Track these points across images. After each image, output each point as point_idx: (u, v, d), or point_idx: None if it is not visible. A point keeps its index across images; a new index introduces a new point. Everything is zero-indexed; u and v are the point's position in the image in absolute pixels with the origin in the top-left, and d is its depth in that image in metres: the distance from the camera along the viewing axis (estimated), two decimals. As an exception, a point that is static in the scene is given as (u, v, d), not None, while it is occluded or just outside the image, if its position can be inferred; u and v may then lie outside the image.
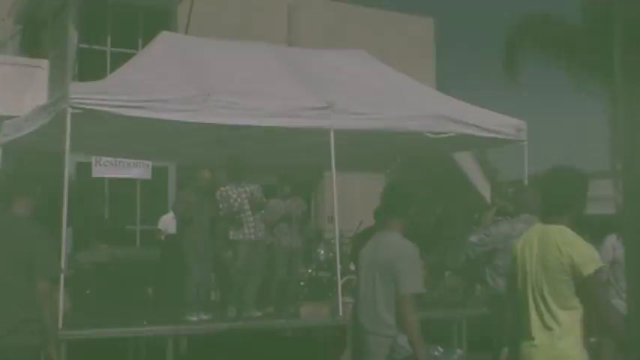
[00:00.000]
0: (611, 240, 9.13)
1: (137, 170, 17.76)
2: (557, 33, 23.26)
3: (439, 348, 6.17)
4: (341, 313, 11.19)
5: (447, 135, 12.14)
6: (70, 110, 9.82)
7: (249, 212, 11.66)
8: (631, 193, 3.08)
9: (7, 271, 5.87)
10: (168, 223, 15.71)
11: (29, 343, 5.86)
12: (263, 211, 12.02)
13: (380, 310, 5.77)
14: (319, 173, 19.82)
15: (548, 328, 4.73)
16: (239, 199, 11.63)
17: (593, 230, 10.40)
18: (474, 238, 7.92)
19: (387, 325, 5.76)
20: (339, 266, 11.50)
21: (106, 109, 10.08)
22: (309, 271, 13.14)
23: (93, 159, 17.21)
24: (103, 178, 18.14)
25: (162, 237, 15.31)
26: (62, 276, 9.51)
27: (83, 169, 17.26)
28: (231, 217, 11.61)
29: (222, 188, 11.70)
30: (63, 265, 9.59)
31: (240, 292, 11.66)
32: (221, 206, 11.63)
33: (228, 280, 12.02)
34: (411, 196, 6.17)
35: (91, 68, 17.73)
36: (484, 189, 24.17)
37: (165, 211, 16.03)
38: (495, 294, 7.78)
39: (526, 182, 12.45)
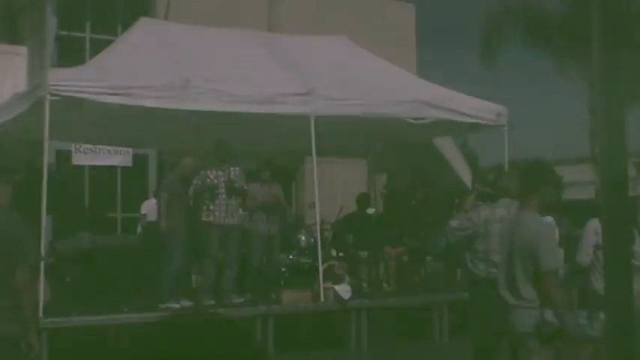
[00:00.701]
0: (594, 224, 9.18)
1: (117, 157, 17.70)
2: (537, 18, 23.33)
3: (582, 313, 6.73)
4: (322, 299, 11.22)
5: (427, 120, 12.17)
6: (48, 97, 9.79)
7: (224, 196, 11.59)
8: (608, 179, 3.09)
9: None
10: (150, 208, 15.71)
11: (8, 332, 5.83)
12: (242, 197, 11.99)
13: (520, 284, 6.12)
14: (300, 159, 19.80)
15: None
16: (215, 181, 11.58)
17: (575, 215, 10.46)
18: (453, 223, 7.93)
19: (528, 300, 6.10)
20: (320, 252, 11.51)
21: (85, 95, 10.05)
22: (290, 257, 13.14)
23: (72, 146, 17.13)
24: (83, 166, 18.06)
25: (146, 222, 15.36)
26: (42, 264, 9.49)
27: (63, 156, 17.19)
28: (199, 194, 11.54)
29: (202, 172, 11.65)
30: (43, 253, 9.56)
31: (217, 277, 11.62)
32: (196, 182, 11.56)
33: (203, 265, 11.98)
34: (546, 175, 6.47)
35: (70, 55, 17.65)
36: (465, 174, 24.22)
37: (147, 198, 16.05)
38: (475, 278, 7.80)
39: (506, 167, 12.49)
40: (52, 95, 9.80)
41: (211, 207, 11.54)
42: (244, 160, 12.86)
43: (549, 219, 13.30)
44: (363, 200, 14.44)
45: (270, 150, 14.74)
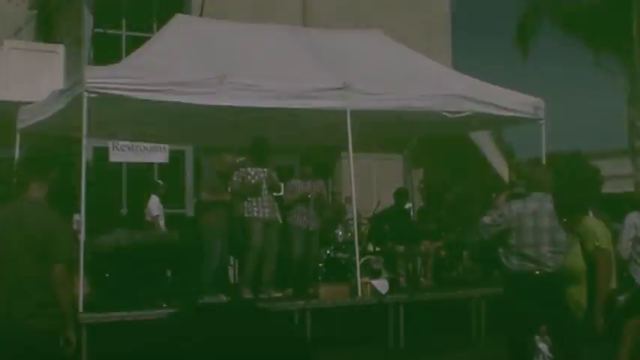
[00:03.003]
0: (633, 217, 9.08)
1: (154, 154, 17.80)
2: (575, 9, 23.12)
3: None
4: (360, 294, 11.20)
5: (463, 114, 12.11)
6: (86, 95, 9.84)
7: (267, 192, 11.64)
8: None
9: (24, 256, 5.88)
10: (158, 206, 15.81)
11: (48, 327, 5.87)
12: (281, 192, 12.00)
13: None
14: (336, 154, 19.79)
15: None
16: (256, 177, 11.61)
17: (614, 208, 10.37)
18: (486, 219, 7.88)
19: None
20: (357, 247, 11.49)
21: (122, 92, 10.10)
22: (328, 252, 13.13)
23: (110, 143, 17.26)
24: (120, 163, 18.18)
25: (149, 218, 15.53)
26: (81, 260, 9.56)
27: (100, 153, 17.31)
28: (244, 194, 11.56)
29: (242, 169, 11.68)
30: (82, 250, 9.63)
31: (255, 272, 11.63)
32: (236, 180, 11.58)
33: (242, 259, 12.01)
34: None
35: (106, 53, 17.75)
36: (502, 168, 24.09)
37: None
38: (510, 273, 7.75)
39: (543, 161, 12.40)
40: (90, 93, 9.86)
41: (253, 203, 11.56)
42: (281, 155, 12.85)
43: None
44: (402, 195, 14.40)
45: (306, 145, 14.74)
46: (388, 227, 13.93)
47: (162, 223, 15.93)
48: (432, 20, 23.34)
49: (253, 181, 11.58)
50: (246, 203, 11.57)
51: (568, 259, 7.01)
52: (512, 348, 7.77)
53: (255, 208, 11.58)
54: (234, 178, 11.63)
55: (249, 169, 11.65)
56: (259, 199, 11.58)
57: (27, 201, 6.10)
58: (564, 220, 7.11)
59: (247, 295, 11.37)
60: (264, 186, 11.61)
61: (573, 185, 8.11)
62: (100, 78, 10.05)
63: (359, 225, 13.06)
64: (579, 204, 7.07)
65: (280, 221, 12.04)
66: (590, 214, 7.07)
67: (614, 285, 6.77)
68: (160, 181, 17.17)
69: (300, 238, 12.19)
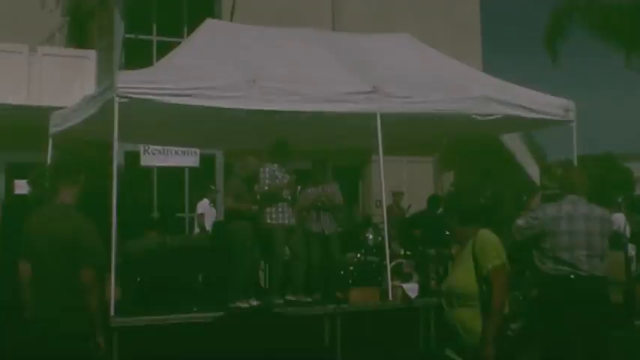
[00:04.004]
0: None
1: (185, 158, 17.89)
2: (606, 10, 22.96)
3: None
4: (390, 298, 11.17)
5: (494, 117, 12.04)
6: (117, 99, 9.89)
7: (289, 197, 11.65)
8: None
9: (53, 260, 5.93)
10: (206, 207, 15.97)
11: (76, 331, 5.92)
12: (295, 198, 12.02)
13: None
14: (366, 157, 19.78)
15: None
16: (284, 181, 11.63)
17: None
18: (520, 222, 7.84)
19: None
20: (387, 250, 11.47)
21: (153, 97, 10.14)
22: (358, 255, 13.10)
23: (141, 148, 17.37)
24: (151, 167, 18.29)
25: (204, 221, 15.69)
26: (113, 264, 9.61)
27: (132, 158, 17.42)
28: (269, 195, 11.54)
29: (271, 166, 11.65)
30: (113, 254, 9.68)
31: (285, 277, 11.65)
32: (265, 180, 11.60)
33: (271, 264, 12.04)
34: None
35: (138, 58, 17.85)
36: (533, 171, 23.96)
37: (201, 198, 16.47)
38: (544, 276, 7.70)
39: (575, 163, 12.31)
40: (121, 97, 9.91)
41: (279, 208, 11.56)
42: (307, 159, 12.83)
43: (620, 216, 13.10)
44: (435, 201, 14.49)
45: (337, 148, 14.74)
46: (419, 232, 13.92)
47: (208, 223, 16.00)
48: (461, 23, 23.29)
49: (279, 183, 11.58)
50: (268, 209, 11.56)
51: (457, 277, 6.24)
52: (547, 351, 7.71)
53: (280, 215, 11.58)
54: (262, 175, 11.59)
55: (276, 172, 11.64)
56: (282, 204, 11.58)
57: (57, 206, 6.15)
58: (454, 230, 6.52)
59: (277, 300, 11.37)
60: (287, 192, 11.63)
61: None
62: (131, 83, 10.10)
63: (389, 228, 13.02)
64: (472, 212, 6.55)
65: (298, 226, 12.05)
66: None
67: (506, 309, 6.05)
68: (212, 187, 17.33)
69: (317, 244, 12.17)
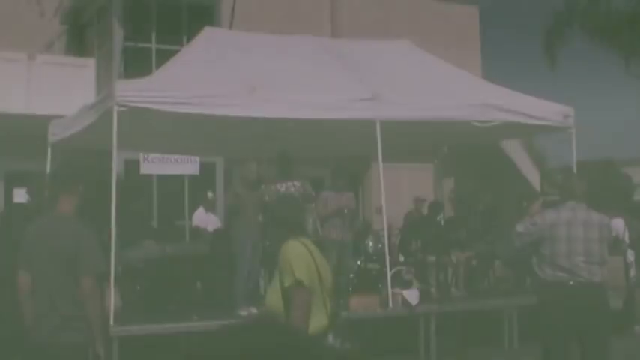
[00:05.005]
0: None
1: (185, 166, 17.88)
2: (604, 15, 23.00)
3: None
4: (390, 305, 11.16)
5: (493, 123, 12.04)
6: (116, 108, 9.89)
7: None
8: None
9: (53, 269, 5.93)
10: (202, 218, 15.85)
11: (76, 340, 5.92)
12: (314, 204, 12.00)
13: None
14: (366, 164, 19.78)
15: None
16: (292, 190, 11.60)
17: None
18: (519, 228, 7.84)
19: None
20: (387, 257, 11.46)
21: (152, 106, 10.14)
22: (358, 262, 13.10)
23: (141, 156, 17.35)
24: (151, 175, 18.27)
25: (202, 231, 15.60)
26: (112, 273, 9.60)
27: (131, 166, 17.41)
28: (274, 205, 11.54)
29: (272, 186, 11.65)
30: (113, 262, 9.67)
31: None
32: (267, 195, 11.57)
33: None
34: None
35: (137, 66, 17.87)
36: (533, 177, 23.97)
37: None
38: (543, 283, 7.69)
39: (574, 169, 12.32)
40: (120, 106, 9.91)
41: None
42: (311, 166, 12.85)
43: (619, 222, 13.08)
44: (435, 209, 14.52)
45: (336, 155, 14.74)
46: (419, 241, 13.96)
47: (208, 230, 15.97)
48: (460, 30, 23.31)
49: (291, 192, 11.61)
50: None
51: (267, 295, 5.70)
52: (547, 358, 7.70)
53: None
54: (266, 192, 11.61)
55: (277, 185, 11.63)
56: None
57: (56, 215, 6.15)
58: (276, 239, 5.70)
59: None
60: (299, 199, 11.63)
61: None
62: (131, 91, 10.11)
63: (389, 235, 13.04)
64: (285, 219, 5.68)
65: (313, 233, 12.04)
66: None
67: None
68: (209, 193, 17.25)
69: (335, 251, 12.18)
